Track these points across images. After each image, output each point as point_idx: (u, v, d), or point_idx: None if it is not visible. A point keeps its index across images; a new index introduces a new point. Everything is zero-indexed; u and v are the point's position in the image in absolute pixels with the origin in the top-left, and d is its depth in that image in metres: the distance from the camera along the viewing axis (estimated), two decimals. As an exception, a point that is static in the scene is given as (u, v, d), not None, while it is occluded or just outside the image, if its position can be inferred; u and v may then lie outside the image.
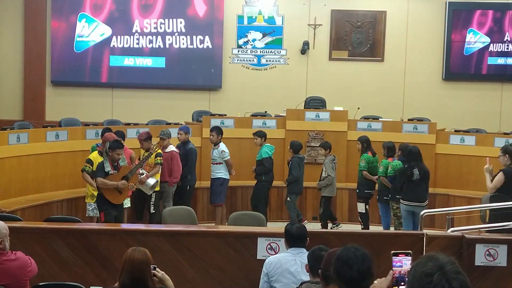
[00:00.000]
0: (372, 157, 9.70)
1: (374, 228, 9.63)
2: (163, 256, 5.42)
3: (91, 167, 8.21)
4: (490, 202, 7.67)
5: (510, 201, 7.22)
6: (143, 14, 13.98)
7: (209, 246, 5.59)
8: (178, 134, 9.81)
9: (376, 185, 9.59)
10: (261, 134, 9.94)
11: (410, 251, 3.01)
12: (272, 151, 9.86)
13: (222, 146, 9.77)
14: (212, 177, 9.84)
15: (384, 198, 9.31)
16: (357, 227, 9.63)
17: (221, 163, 9.74)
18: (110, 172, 7.80)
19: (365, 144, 9.78)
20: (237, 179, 10.35)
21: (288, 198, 9.80)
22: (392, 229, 9.13)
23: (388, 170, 9.18)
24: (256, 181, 9.91)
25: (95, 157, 8.32)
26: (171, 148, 9.42)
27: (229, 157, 9.74)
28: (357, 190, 9.75)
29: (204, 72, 14.09)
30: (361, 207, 9.66)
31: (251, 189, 10.03)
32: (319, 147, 10.02)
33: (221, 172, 9.76)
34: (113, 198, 7.82)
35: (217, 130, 9.84)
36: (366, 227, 9.61)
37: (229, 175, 9.83)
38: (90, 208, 8.58)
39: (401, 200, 8.76)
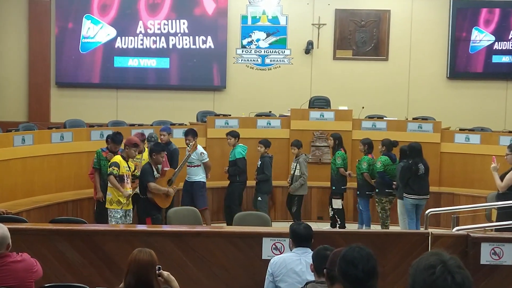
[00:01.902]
0: (345, 154, 9.87)
1: (350, 224, 10.00)
2: (168, 256, 5.42)
3: (118, 170, 7.77)
4: (498, 200, 7.66)
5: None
6: (151, 14, 13.99)
7: (214, 247, 5.59)
8: (161, 135, 9.58)
9: (348, 181, 9.89)
10: (234, 134, 9.86)
11: None
12: (245, 151, 9.80)
13: (200, 148, 9.60)
14: (188, 180, 9.57)
15: (366, 193, 9.59)
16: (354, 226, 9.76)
17: (199, 165, 9.55)
18: (156, 176, 7.75)
19: (337, 141, 9.95)
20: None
21: (259, 198, 9.71)
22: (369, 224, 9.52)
23: (378, 166, 9.37)
24: (229, 182, 9.85)
25: (121, 160, 7.86)
26: None
27: (208, 159, 9.61)
28: (333, 187, 9.87)
29: (208, 72, 14.11)
30: (338, 203, 9.81)
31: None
32: (292, 146, 9.97)
33: (199, 175, 9.56)
34: (161, 202, 7.85)
35: (192, 134, 9.57)
36: (343, 223, 9.81)
37: (205, 178, 9.66)
38: (118, 216, 7.73)
39: (405, 195, 8.93)
